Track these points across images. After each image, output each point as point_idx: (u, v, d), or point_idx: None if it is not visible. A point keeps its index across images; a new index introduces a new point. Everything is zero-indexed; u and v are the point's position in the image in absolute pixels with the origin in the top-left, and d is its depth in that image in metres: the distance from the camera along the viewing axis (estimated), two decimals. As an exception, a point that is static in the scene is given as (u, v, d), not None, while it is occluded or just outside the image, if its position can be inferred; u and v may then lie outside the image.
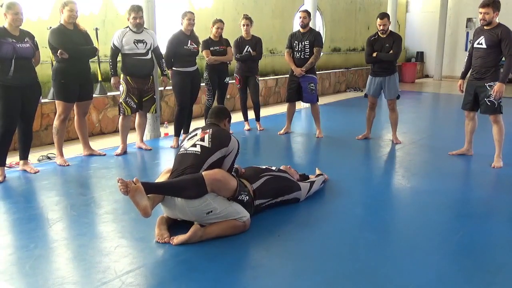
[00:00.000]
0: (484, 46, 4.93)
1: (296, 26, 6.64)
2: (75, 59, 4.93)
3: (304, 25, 6.41)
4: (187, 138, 3.52)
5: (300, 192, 3.88)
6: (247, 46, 6.69)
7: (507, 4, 14.00)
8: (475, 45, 5.03)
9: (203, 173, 3.14)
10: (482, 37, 4.94)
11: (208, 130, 3.46)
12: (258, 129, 7.01)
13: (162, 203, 3.25)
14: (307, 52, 6.42)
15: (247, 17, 6.73)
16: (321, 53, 6.72)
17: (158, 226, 3.25)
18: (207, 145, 3.34)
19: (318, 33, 6.66)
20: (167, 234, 3.17)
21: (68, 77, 4.96)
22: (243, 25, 6.67)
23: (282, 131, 6.78)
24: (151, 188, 3.06)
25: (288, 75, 6.80)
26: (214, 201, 3.15)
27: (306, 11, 6.54)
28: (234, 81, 7.10)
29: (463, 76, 5.34)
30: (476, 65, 5.06)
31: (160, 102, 7.16)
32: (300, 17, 6.44)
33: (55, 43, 4.86)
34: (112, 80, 5.42)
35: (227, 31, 6.57)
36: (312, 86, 6.54)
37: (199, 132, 3.50)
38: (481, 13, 4.88)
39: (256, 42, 6.74)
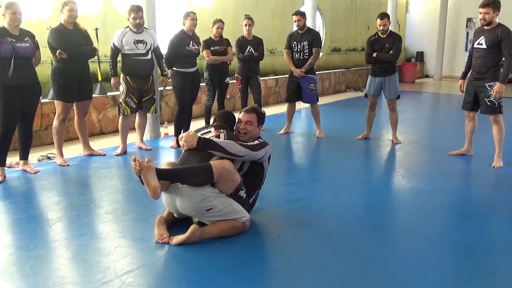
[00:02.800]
0: (484, 46, 4.93)
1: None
2: (74, 59, 4.92)
3: (301, 27, 6.39)
4: (199, 133, 3.42)
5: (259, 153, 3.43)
6: (249, 46, 6.68)
7: (507, 4, 14.01)
8: (475, 45, 5.03)
9: (210, 162, 3.16)
10: (482, 37, 4.94)
11: (222, 131, 3.47)
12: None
13: (164, 192, 3.25)
14: (306, 53, 6.41)
15: (248, 17, 6.72)
16: (320, 54, 6.71)
17: (158, 226, 3.25)
18: None
19: (317, 33, 6.65)
20: (167, 234, 3.17)
21: (67, 77, 4.95)
22: (245, 25, 6.67)
23: (282, 131, 6.78)
24: (161, 174, 3.08)
25: (288, 75, 6.80)
26: (215, 199, 3.15)
27: (299, 13, 6.46)
28: (235, 81, 7.10)
29: (464, 76, 5.34)
30: (476, 65, 5.05)
31: (160, 102, 7.15)
32: (295, 21, 6.38)
33: (54, 43, 4.86)
34: (112, 80, 5.42)
35: (227, 31, 6.56)
36: (312, 86, 6.53)
37: (212, 129, 3.51)
38: (481, 13, 4.88)
39: (258, 43, 6.74)
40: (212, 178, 3.12)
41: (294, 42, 6.44)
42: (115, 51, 5.38)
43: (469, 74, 5.27)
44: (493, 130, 5.11)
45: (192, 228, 3.10)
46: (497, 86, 4.89)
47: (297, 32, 6.46)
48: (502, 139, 5.08)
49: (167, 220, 3.35)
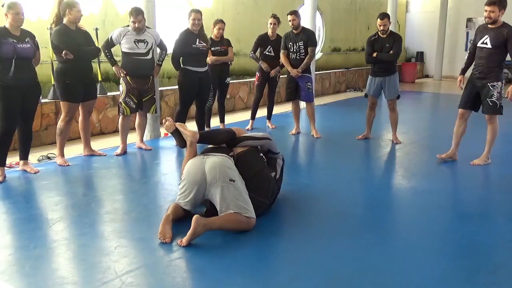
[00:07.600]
0: (489, 46, 4.83)
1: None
2: (78, 59, 4.92)
3: (296, 27, 6.34)
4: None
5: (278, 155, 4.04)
6: (269, 47, 6.77)
7: (508, 4, 13.99)
8: (479, 44, 4.92)
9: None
10: (487, 36, 4.84)
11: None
12: (270, 127, 7.08)
13: (193, 158, 3.47)
14: (302, 53, 6.37)
15: (275, 16, 6.76)
16: (320, 54, 6.71)
17: (163, 224, 3.21)
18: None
19: (312, 32, 6.62)
20: (170, 235, 3.15)
21: (72, 77, 4.94)
22: (270, 24, 6.73)
23: (293, 131, 6.79)
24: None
25: (286, 75, 6.78)
26: (238, 177, 3.35)
27: (294, 13, 6.35)
28: (235, 81, 7.09)
29: (463, 72, 5.22)
30: (480, 65, 4.96)
31: (160, 102, 7.15)
32: (289, 20, 6.30)
33: (59, 43, 4.84)
34: (115, 68, 5.37)
35: (227, 31, 6.56)
36: (309, 85, 6.53)
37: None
38: (486, 10, 4.79)
39: (277, 42, 6.72)
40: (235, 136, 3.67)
41: (290, 43, 6.38)
42: (110, 44, 5.36)
43: (470, 72, 5.18)
44: (487, 130, 5.09)
45: (195, 218, 3.05)
46: (511, 87, 4.86)
47: (292, 33, 6.40)
48: (494, 140, 5.07)
49: (174, 217, 3.31)
